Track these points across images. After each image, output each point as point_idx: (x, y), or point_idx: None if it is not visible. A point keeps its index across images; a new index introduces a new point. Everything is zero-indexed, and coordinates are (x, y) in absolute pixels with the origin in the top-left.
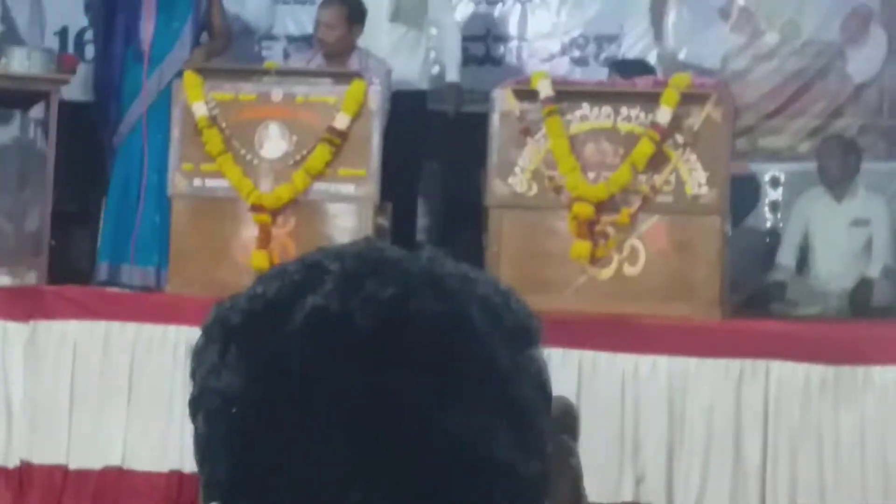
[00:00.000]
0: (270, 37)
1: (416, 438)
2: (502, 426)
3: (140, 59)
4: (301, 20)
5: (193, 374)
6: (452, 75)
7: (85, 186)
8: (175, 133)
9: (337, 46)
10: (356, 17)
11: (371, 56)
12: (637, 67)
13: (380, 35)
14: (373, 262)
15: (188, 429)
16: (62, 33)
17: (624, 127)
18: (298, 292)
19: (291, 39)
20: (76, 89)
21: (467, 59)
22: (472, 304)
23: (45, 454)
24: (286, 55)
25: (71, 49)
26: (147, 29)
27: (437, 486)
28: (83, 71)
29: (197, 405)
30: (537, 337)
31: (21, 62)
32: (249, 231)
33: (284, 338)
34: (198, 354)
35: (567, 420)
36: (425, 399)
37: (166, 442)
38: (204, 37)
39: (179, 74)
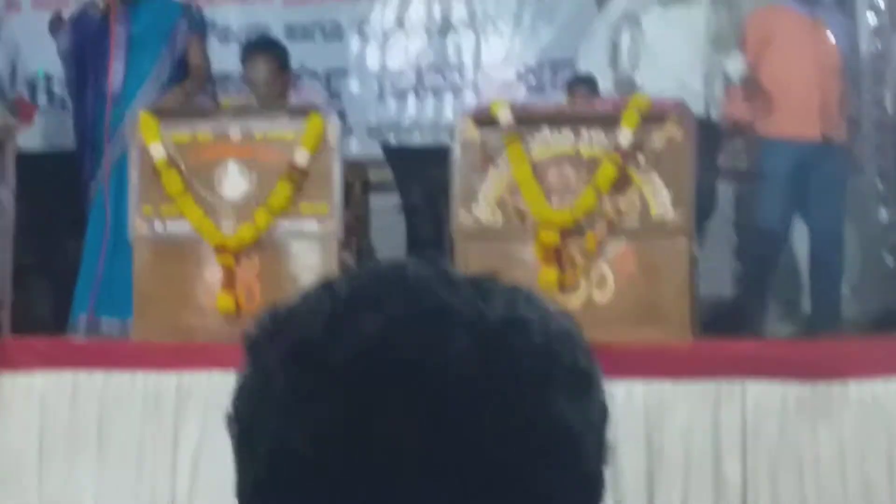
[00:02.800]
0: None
1: (387, 459)
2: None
3: (106, 103)
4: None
5: None
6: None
7: (43, 237)
8: (133, 176)
9: (273, 96)
10: (286, 63)
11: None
12: (586, 83)
13: None
14: (376, 292)
15: (160, 477)
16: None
17: (586, 150)
18: (299, 315)
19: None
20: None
21: (424, 90)
22: (456, 335)
23: None
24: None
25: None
26: (114, 71)
27: None
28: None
29: None
30: (537, 369)
31: None
32: (213, 273)
33: (271, 361)
34: None
35: None
36: (392, 438)
37: (138, 491)
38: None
39: None
